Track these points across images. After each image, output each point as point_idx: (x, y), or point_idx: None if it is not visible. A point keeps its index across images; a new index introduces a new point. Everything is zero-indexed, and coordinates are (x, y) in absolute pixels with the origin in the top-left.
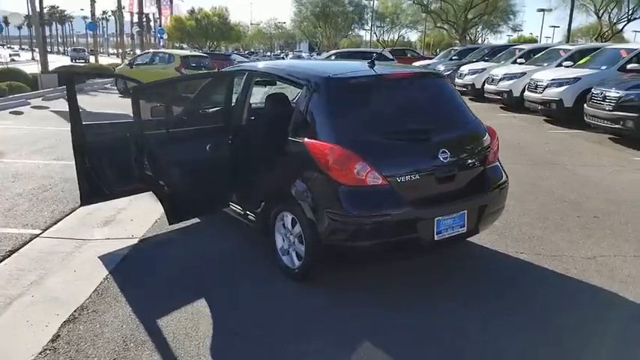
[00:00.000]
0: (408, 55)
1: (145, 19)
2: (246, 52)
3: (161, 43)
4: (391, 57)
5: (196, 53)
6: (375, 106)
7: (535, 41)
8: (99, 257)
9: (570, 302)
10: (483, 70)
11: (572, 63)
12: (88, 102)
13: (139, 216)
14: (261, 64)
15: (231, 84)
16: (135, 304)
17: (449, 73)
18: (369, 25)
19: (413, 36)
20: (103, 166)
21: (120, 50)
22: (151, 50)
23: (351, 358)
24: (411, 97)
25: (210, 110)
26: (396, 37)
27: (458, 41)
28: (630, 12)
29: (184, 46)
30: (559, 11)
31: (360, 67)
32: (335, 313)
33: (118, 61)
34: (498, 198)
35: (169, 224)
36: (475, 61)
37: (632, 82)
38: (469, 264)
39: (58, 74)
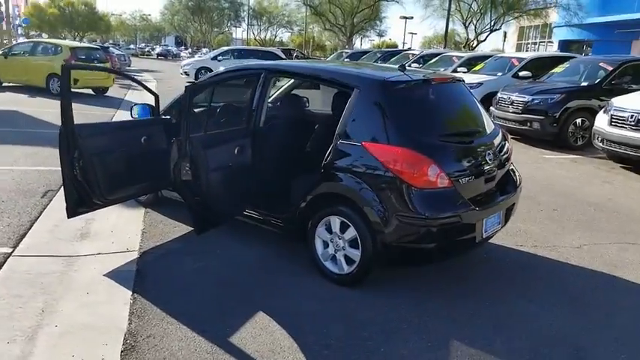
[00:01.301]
0: (294, 56)
1: None
2: (105, 43)
3: (19, 32)
4: (283, 56)
5: (87, 45)
6: (425, 109)
7: (396, 46)
8: (105, 275)
9: (595, 285)
10: None
11: (466, 69)
12: None
13: (116, 227)
14: (288, 64)
15: (256, 83)
16: (191, 323)
17: None
18: (246, 22)
19: (289, 36)
20: (96, 172)
21: None
22: (24, 39)
23: (450, 354)
24: (450, 101)
25: (232, 111)
26: (274, 36)
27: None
28: (492, 23)
29: (44, 35)
30: (430, 19)
31: (396, 70)
32: (399, 310)
33: None
34: (519, 196)
35: (197, 234)
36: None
37: (537, 88)
38: (488, 258)
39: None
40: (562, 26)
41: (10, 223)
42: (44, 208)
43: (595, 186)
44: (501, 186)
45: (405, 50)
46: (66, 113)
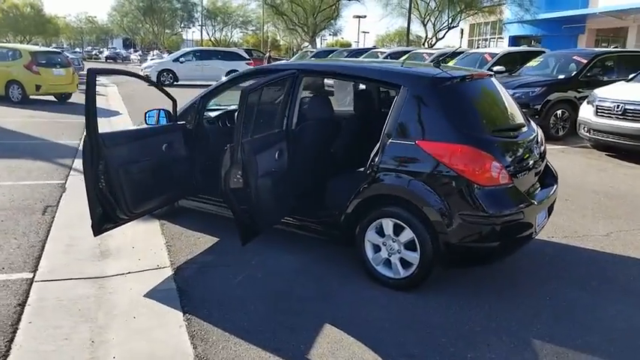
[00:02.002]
0: (254, 56)
1: None
2: (49, 47)
3: None
4: (247, 56)
5: (48, 49)
6: (473, 104)
7: (349, 45)
8: (145, 296)
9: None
10: None
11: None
12: None
13: (136, 242)
14: (326, 63)
15: (290, 84)
16: (260, 342)
17: None
18: (200, 22)
19: (242, 36)
20: (122, 184)
21: None
22: None
23: (538, 355)
24: (490, 96)
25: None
26: (226, 37)
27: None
28: (450, 21)
29: None
30: (389, 17)
31: (434, 67)
32: (464, 311)
33: None
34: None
35: (243, 245)
36: None
37: (517, 82)
38: (524, 252)
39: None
40: (513, 22)
41: (19, 245)
42: (50, 226)
43: (592, 175)
44: (544, 179)
45: (372, 48)
46: (91, 122)
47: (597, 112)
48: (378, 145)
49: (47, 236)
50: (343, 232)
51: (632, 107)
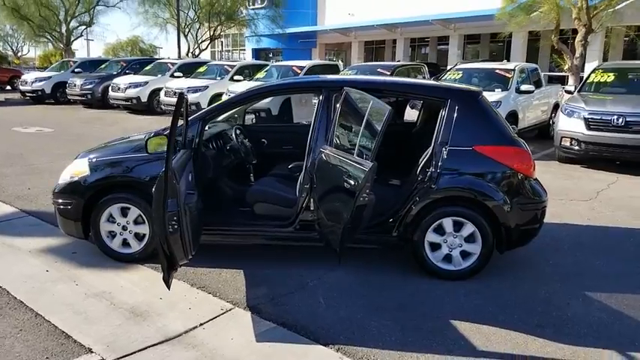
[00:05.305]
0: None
1: None
2: None
3: None
4: None
5: None
6: (497, 113)
7: (74, 54)
8: (259, 342)
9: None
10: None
11: (242, 77)
12: None
13: (157, 293)
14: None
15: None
16: (424, 348)
17: (91, 86)
18: None
19: None
20: (187, 223)
21: None
22: None
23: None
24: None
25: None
26: None
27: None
28: (212, 32)
29: None
30: (143, 27)
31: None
32: (535, 287)
33: None
34: None
35: (339, 262)
36: (117, 74)
37: None
38: None
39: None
40: (254, 36)
41: (19, 327)
42: (17, 299)
43: None
44: None
45: (158, 59)
46: (171, 155)
47: None
48: (430, 152)
49: (33, 311)
50: (400, 237)
51: None
